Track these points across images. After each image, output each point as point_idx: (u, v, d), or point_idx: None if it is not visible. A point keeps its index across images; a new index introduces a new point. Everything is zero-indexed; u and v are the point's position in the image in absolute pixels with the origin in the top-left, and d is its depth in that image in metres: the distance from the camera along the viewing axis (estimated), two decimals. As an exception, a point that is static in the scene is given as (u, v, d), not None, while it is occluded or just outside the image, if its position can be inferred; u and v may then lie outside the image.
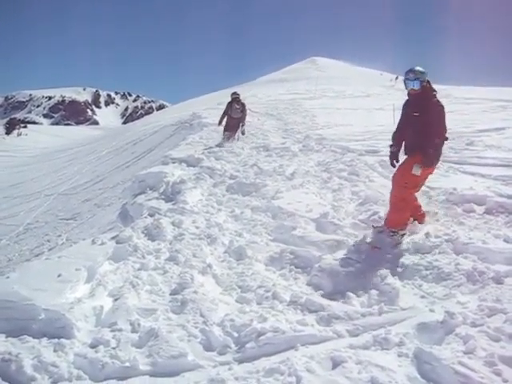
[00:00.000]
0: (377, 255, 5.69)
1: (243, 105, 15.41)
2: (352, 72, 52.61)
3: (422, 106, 6.04)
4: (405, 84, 6.22)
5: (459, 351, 3.63)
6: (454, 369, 3.41)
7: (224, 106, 15.80)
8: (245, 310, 4.76)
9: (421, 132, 5.96)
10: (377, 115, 18.55)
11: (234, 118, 15.08)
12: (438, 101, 6.03)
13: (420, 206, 6.57)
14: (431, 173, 6.32)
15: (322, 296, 4.99)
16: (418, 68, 6.07)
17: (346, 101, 25.64)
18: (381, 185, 8.44)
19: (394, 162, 6.53)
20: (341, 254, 5.82)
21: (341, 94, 29.35)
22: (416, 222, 6.45)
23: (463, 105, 18.38)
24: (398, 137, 6.55)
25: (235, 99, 15.28)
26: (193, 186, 9.14)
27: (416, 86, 6.05)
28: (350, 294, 4.89)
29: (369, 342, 4.01)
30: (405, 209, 6.19)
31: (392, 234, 6.06)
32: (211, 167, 10.71)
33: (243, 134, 15.23)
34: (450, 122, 14.02)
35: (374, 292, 4.87)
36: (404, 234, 6.08)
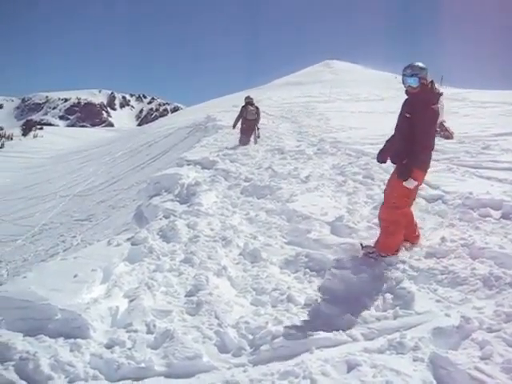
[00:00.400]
0: (392, 259, 5.66)
1: (257, 107, 15.59)
2: (367, 75, 52.42)
3: (416, 107, 5.41)
4: (402, 81, 5.59)
5: (475, 357, 3.59)
6: (470, 374, 3.37)
7: (238, 109, 15.93)
8: (260, 312, 4.76)
9: (407, 138, 5.41)
10: (391, 118, 18.43)
11: (250, 119, 15.27)
12: (431, 105, 5.39)
13: (416, 226, 6.04)
14: (420, 183, 5.78)
15: (337, 299, 4.97)
16: (417, 63, 5.48)
17: (361, 104, 25.60)
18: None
19: (380, 158, 6.24)
20: (356, 257, 5.81)
21: (355, 97, 29.32)
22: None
23: (479, 108, 18.23)
24: (392, 137, 5.94)
25: (249, 102, 15.48)
26: (208, 189, 9.17)
27: (413, 83, 5.42)
28: (365, 298, 4.87)
29: (384, 345, 3.98)
30: (397, 232, 5.66)
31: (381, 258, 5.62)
32: (226, 170, 10.76)
33: (258, 137, 15.34)
34: (466, 125, 14.01)
35: (388, 296, 4.82)
36: None
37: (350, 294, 5.06)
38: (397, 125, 5.72)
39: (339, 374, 3.67)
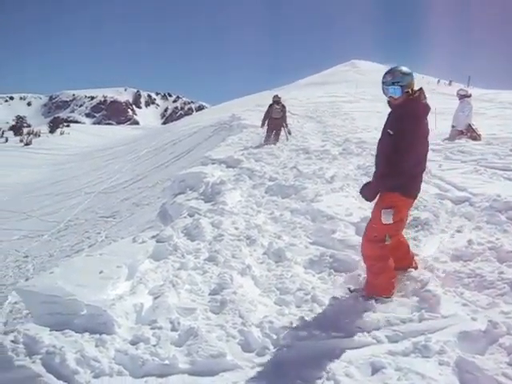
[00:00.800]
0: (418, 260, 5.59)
1: (283, 106, 15.72)
2: (392, 75, 52.02)
3: (399, 122, 4.53)
4: (382, 90, 4.77)
5: (503, 362, 3.53)
6: (498, 380, 3.32)
7: (264, 108, 16.08)
8: (284, 312, 4.75)
9: (389, 158, 4.49)
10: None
11: (275, 118, 15.49)
12: (415, 119, 4.57)
13: (412, 257, 5.35)
14: (406, 211, 5.00)
15: (361, 301, 4.94)
16: (399, 68, 4.60)
17: (386, 104, 25.37)
18: (422, 190, 8.31)
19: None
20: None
21: (381, 98, 28.98)
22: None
23: (507, 109, 17.99)
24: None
25: (276, 101, 15.63)
26: (232, 187, 9.22)
27: (395, 93, 4.59)
28: (390, 300, 4.81)
29: (408, 348, 3.93)
30: (385, 269, 4.81)
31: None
32: (251, 169, 10.82)
33: (290, 133, 15.67)
34: (494, 127, 13.81)
35: (414, 298, 4.76)
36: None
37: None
38: (379, 142, 4.86)
39: (363, 375, 3.65)
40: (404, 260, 5.23)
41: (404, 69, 4.59)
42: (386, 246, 4.74)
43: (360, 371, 3.70)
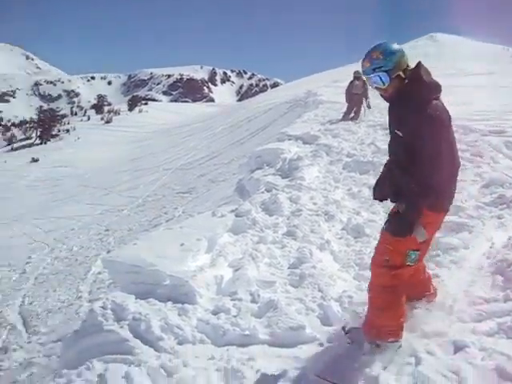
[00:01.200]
0: (501, 238, 5.37)
1: (364, 82, 15.67)
2: (474, 48, 49.82)
3: (403, 118, 3.36)
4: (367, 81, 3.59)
5: None
6: None
7: (342, 84, 16.02)
8: (362, 287, 4.71)
9: (405, 165, 3.37)
10: (502, 94, 17.51)
11: (355, 93, 15.61)
12: (424, 105, 3.24)
13: (429, 281, 4.19)
14: (437, 227, 3.78)
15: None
16: (379, 49, 3.34)
17: (468, 78, 24.42)
18: (507, 166, 8.01)
19: (377, 193, 4.12)
20: (463, 236, 5.58)
21: (462, 72, 27.98)
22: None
23: None
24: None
25: (356, 77, 15.79)
26: (309, 163, 9.18)
27: (380, 81, 3.35)
28: (472, 278, 4.67)
29: (493, 329, 3.77)
30: (392, 305, 3.58)
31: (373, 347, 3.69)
32: (328, 145, 10.70)
33: (369, 107, 15.61)
34: None
35: (499, 278, 4.55)
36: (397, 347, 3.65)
37: (456, 273, 4.87)
38: (389, 144, 3.75)
39: (445, 354, 3.53)
40: (418, 285, 4.06)
41: (386, 47, 3.34)
42: (399, 274, 3.52)
43: (442, 349, 3.58)
